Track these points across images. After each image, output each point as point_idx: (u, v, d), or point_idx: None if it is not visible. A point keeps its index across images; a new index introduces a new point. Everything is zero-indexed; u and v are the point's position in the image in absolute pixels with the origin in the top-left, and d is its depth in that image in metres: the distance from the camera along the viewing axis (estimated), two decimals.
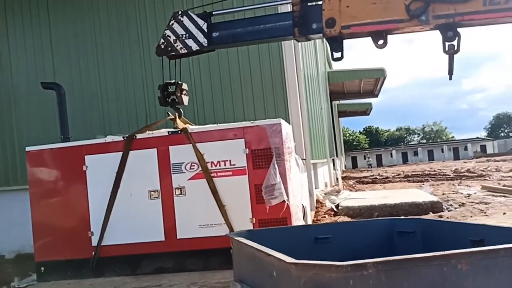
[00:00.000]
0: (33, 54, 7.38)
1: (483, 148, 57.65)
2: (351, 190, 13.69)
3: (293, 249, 2.61)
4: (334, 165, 18.77)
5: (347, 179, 20.88)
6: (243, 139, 4.51)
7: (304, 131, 6.80)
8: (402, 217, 7.91)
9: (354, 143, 67.86)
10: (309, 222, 6.92)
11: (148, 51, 6.93)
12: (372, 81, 19.15)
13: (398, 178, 20.24)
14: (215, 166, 4.52)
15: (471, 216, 7.98)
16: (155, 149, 4.66)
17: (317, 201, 9.33)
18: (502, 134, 75.87)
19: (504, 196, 10.64)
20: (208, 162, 4.53)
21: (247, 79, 6.81)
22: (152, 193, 4.61)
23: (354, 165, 54.16)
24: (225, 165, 4.51)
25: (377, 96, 22.36)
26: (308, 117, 8.09)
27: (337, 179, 15.63)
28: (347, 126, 73.09)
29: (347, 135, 67.30)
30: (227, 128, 4.61)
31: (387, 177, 21.21)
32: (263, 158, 4.45)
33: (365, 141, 69.57)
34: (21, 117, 7.30)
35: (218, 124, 4.87)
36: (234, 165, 4.50)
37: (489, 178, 17.05)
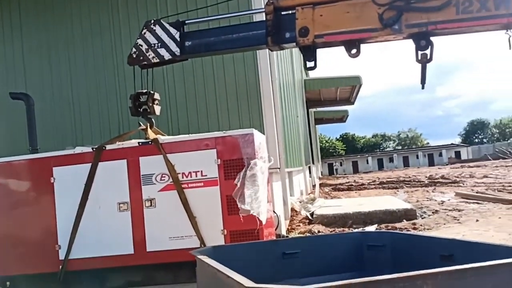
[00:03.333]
0: (5, 65, 7.15)
1: (458, 154, 58.78)
2: (326, 198, 13.68)
3: (261, 265, 2.53)
4: (310, 172, 18.85)
5: (323, 186, 20.88)
6: (215, 150, 4.42)
7: (278, 140, 6.72)
8: (375, 226, 7.94)
9: (331, 150, 68.43)
10: (283, 231, 6.86)
11: (121, 60, 6.79)
12: (348, 89, 19.33)
13: (374, 185, 20.38)
14: (186, 177, 4.41)
15: (444, 224, 8.03)
16: (125, 160, 4.52)
17: (292, 209, 9.31)
18: (476, 140, 77.54)
19: (477, 203, 10.79)
20: (179, 173, 4.42)
21: (222, 88, 6.73)
22: (121, 205, 4.46)
23: (331, 171, 54.56)
24: (196, 176, 4.41)
25: (353, 103, 22.58)
26: (283, 126, 8.06)
27: (313, 186, 15.65)
28: (323, 133, 73.82)
29: (324, 142, 67.86)
30: (199, 139, 4.51)
31: (362, 184, 21.33)
32: (235, 168, 4.36)
33: (342, 147, 70.24)
34: None
35: (190, 135, 4.76)
36: (206, 176, 4.40)
37: (463, 184, 17.33)
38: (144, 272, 4.38)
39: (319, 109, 26.48)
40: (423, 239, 2.60)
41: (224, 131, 4.58)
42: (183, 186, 4.38)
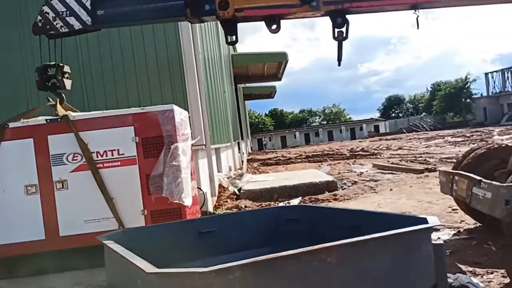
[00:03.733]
0: None
1: (377, 128, 62.44)
2: (255, 173, 13.85)
3: (176, 247, 2.45)
4: (239, 148, 18.94)
5: (252, 161, 21.20)
6: (133, 127, 4.20)
7: (203, 116, 6.59)
8: (299, 198, 8.18)
9: (260, 125, 69.25)
10: (210, 208, 6.83)
11: (28, 29, 6.13)
12: (275, 65, 19.46)
13: (300, 159, 21.03)
14: (102, 156, 4.15)
15: (362, 194, 8.51)
16: (31, 139, 4.14)
17: (220, 185, 9.29)
18: (393, 114, 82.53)
19: (392, 173, 11.56)
20: (93, 152, 4.14)
21: (141, 61, 6.38)
22: (29, 188, 4.11)
23: (260, 147, 55.40)
24: (112, 155, 4.16)
25: (280, 79, 22.85)
26: (209, 101, 7.92)
27: (242, 162, 15.77)
28: (253, 109, 74.42)
29: (253, 117, 68.42)
30: (115, 115, 4.25)
31: (290, 158, 21.92)
32: (154, 146, 4.18)
33: (271, 123, 71.29)
34: None
35: (105, 111, 4.47)
36: (123, 154, 4.17)
37: (380, 156, 18.48)
38: (57, 258, 4.09)
39: (247, 85, 26.49)
40: (335, 212, 2.71)
41: (142, 107, 4.35)
42: (98, 166, 4.12)
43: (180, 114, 4.45)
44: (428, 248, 1.80)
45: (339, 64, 3.76)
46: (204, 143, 6.62)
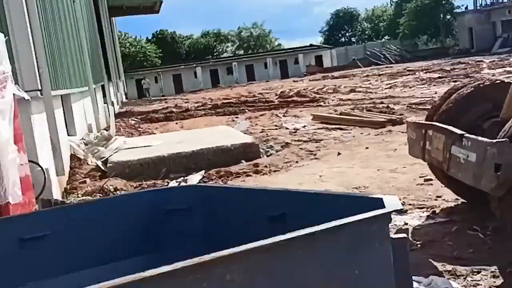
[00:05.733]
0: None
1: (319, 60, 63.97)
2: (132, 135, 13.76)
3: None
4: (104, 95, 18.42)
5: (127, 116, 20.84)
6: None
7: (35, 41, 6.44)
8: (201, 173, 8.22)
9: (140, 58, 67.60)
10: (56, 194, 6.72)
11: None
12: None
13: (204, 110, 21.13)
14: None
15: (297, 162, 8.79)
16: None
17: (74, 156, 9.24)
18: (343, 39, 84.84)
19: (341, 129, 12.03)
20: None
21: None
22: None
23: (141, 93, 54.28)
24: None
25: None
26: (45, 17, 7.71)
27: (109, 116, 15.53)
28: (127, 31, 72.29)
29: (128, 45, 66.57)
30: None
31: (187, 110, 21.95)
32: None
33: (157, 54, 69.79)
34: None
35: None
36: None
37: (324, 103, 19.11)
38: None
39: None
40: (247, 194, 2.68)
41: None
42: None
43: None
44: (384, 247, 1.83)
45: None
46: (39, 88, 6.47)
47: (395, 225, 4.86)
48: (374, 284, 1.82)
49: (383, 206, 1.89)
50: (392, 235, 1.91)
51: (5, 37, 4.69)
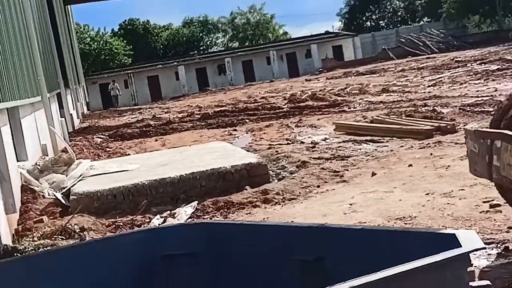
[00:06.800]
0: None
1: (338, 51, 64.29)
2: (98, 157, 13.90)
3: None
4: (61, 107, 18.47)
5: (91, 132, 20.95)
6: None
7: None
8: (194, 204, 8.11)
9: (105, 57, 67.89)
10: (5, 238, 6.87)
11: None
12: None
13: (191, 122, 21.25)
14: None
15: (318, 186, 8.75)
16: None
17: (26, 188, 9.32)
18: (369, 23, 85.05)
19: (373, 141, 11.97)
20: None
21: None
22: None
23: (108, 102, 54.14)
24: None
25: None
26: None
27: (69, 134, 15.68)
28: (85, 23, 72.60)
29: (88, 40, 66.88)
30: None
31: (169, 122, 22.08)
32: None
33: (126, 50, 70.07)
34: None
35: None
36: None
37: (349, 108, 19.10)
38: None
39: None
40: (268, 232, 2.69)
41: None
42: None
43: None
44: None
45: None
46: None
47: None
48: None
49: (458, 245, 1.87)
50: (472, 283, 1.92)
51: None
